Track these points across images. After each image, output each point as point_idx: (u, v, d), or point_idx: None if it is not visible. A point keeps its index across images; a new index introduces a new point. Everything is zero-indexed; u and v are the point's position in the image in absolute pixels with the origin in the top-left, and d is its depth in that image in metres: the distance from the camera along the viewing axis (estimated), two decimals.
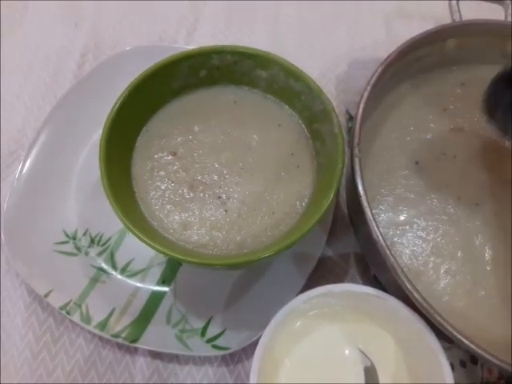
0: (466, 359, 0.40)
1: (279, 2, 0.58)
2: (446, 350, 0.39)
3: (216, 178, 0.38)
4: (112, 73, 0.49)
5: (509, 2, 0.44)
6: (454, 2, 0.43)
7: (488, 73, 0.44)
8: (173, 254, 0.32)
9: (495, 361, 0.30)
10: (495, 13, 0.44)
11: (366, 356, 0.35)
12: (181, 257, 0.32)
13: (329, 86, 0.53)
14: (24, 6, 0.58)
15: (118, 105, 0.36)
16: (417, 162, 0.40)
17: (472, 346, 0.30)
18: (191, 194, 0.37)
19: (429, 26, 0.42)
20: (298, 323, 0.36)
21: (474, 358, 0.40)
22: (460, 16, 0.43)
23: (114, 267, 0.42)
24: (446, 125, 0.42)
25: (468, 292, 0.37)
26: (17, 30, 0.57)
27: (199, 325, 0.40)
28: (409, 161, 0.40)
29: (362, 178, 0.34)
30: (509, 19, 0.44)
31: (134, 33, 0.57)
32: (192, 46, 0.53)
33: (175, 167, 0.38)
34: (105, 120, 0.36)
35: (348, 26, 0.57)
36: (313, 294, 0.34)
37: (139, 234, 0.32)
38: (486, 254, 0.38)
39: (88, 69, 0.54)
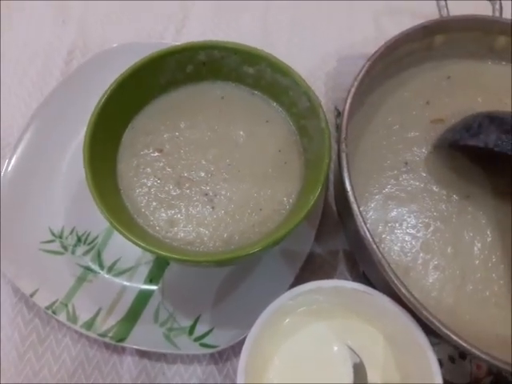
0: (454, 355, 0.40)
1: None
2: (435, 345, 0.39)
3: (203, 174, 0.37)
4: (99, 69, 0.48)
5: None
6: None
7: (475, 66, 0.45)
8: (159, 252, 0.32)
9: (483, 356, 0.30)
10: (483, 9, 0.44)
11: (355, 352, 0.35)
12: (167, 254, 0.32)
13: (318, 83, 0.53)
14: (11, 3, 0.57)
15: (103, 100, 0.36)
16: (406, 163, 0.40)
17: (460, 341, 0.30)
18: (178, 191, 0.36)
19: (418, 22, 0.42)
20: (287, 320, 0.35)
21: (462, 354, 0.40)
22: (447, 11, 0.43)
23: (101, 266, 0.42)
24: (427, 118, 0.42)
25: (457, 287, 0.37)
26: (3, 26, 0.56)
27: (187, 323, 0.40)
28: (397, 161, 0.40)
29: (349, 173, 0.34)
30: (496, 15, 0.44)
31: (122, 30, 0.56)
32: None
33: (161, 164, 0.37)
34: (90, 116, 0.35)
35: (338, 23, 0.57)
36: (300, 291, 0.34)
37: (125, 232, 0.32)
38: (475, 248, 0.38)
39: (75, 66, 0.53)
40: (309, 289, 0.34)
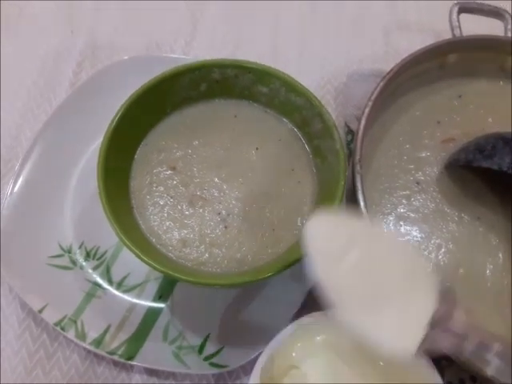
0: (465, 377, 0.40)
1: (279, 12, 0.58)
2: (446, 368, 0.39)
3: (216, 193, 0.37)
4: (109, 82, 0.48)
5: (509, 17, 0.44)
6: (454, 17, 0.43)
7: (487, 86, 0.45)
8: (171, 273, 0.32)
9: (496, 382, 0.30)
10: (495, 28, 0.44)
11: None
12: (180, 276, 0.32)
13: (327, 98, 0.53)
14: (20, 13, 0.57)
15: (117, 117, 0.36)
16: (418, 183, 0.40)
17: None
18: (190, 210, 0.36)
19: (428, 38, 0.42)
20: (298, 345, 0.35)
21: (473, 377, 0.40)
22: (460, 31, 0.43)
23: (110, 282, 0.42)
24: (438, 137, 0.42)
25: (468, 310, 0.36)
26: (12, 36, 0.56)
27: (196, 342, 0.39)
28: (409, 181, 0.40)
29: (363, 196, 0.34)
30: (508, 35, 0.44)
31: (131, 41, 0.56)
32: (190, 56, 0.53)
33: (174, 182, 0.37)
34: (104, 132, 0.35)
35: (347, 38, 0.57)
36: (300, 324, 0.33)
37: (137, 252, 0.32)
38: (487, 270, 0.38)
39: (85, 77, 0.53)
40: (307, 321, 0.33)
